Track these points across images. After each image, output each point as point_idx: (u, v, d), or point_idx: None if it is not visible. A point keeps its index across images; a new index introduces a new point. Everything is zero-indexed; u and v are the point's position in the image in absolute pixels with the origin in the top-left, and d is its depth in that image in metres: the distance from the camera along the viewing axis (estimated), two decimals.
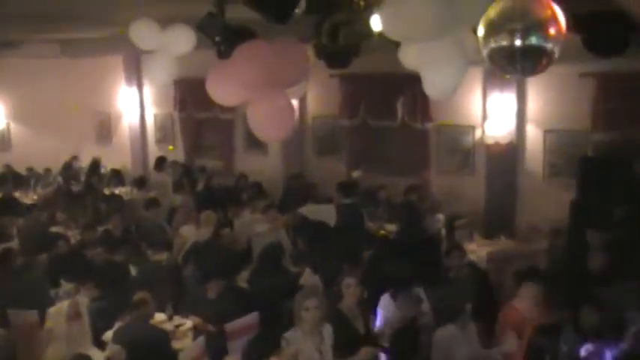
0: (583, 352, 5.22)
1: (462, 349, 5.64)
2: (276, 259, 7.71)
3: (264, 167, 12.58)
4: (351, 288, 5.88)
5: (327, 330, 5.31)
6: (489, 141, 9.94)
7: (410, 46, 4.67)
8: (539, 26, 4.01)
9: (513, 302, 6.25)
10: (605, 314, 5.43)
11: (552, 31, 4.08)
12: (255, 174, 12.09)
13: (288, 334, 5.13)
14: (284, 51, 4.81)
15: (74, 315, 6.50)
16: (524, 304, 6.15)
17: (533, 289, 6.14)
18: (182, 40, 6.78)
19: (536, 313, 5.98)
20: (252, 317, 6.56)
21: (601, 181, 8.38)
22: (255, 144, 12.63)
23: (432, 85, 4.85)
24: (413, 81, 9.88)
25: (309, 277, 7.23)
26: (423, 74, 4.79)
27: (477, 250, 8.56)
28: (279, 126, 5.00)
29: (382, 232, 9.37)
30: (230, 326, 6.32)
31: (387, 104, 11.02)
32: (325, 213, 9.39)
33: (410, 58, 4.85)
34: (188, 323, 6.65)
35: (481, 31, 4.14)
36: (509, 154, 9.88)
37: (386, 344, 5.88)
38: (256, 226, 9.15)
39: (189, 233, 9.01)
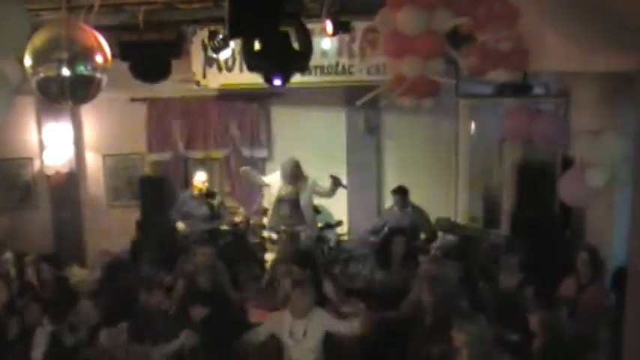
0: None
1: None
2: None
3: None
4: None
5: None
6: (49, 171, 9.79)
7: None
8: (85, 55, 4.21)
9: None
10: None
11: (98, 59, 4.32)
12: None
13: None
14: None
15: None
16: None
17: None
18: None
19: None
20: None
21: (160, 198, 9.01)
22: None
23: None
24: None
25: None
26: None
27: None
28: None
29: None
30: None
31: None
32: None
33: None
34: None
35: (28, 61, 4.17)
36: (71, 183, 9.88)
37: None
38: None
39: None
